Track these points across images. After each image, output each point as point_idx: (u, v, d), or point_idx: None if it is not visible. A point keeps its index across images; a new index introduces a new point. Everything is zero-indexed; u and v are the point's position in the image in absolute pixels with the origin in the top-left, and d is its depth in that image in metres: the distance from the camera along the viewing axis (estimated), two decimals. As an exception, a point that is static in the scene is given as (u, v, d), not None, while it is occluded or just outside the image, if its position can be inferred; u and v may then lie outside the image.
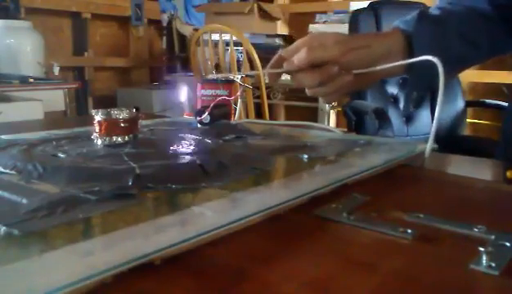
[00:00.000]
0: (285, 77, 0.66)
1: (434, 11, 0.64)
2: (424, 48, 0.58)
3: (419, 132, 1.88)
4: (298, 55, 0.58)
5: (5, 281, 0.23)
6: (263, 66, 2.20)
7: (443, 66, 0.52)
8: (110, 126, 0.56)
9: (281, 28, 3.09)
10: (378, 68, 0.59)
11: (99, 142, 0.56)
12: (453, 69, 0.60)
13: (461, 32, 0.62)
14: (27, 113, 1.73)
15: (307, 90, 0.62)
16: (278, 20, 3.00)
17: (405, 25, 0.62)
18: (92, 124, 0.57)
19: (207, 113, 0.74)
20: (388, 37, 0.61)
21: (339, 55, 0.57)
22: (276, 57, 0.62)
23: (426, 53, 0.54)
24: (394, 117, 1.81)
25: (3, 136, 0.62)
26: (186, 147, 0.58)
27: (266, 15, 2.84)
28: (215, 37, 2.22)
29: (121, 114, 0.57)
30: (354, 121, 1.70)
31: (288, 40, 2.56)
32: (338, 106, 2.53)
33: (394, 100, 1.90)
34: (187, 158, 0.48)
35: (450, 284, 0.26)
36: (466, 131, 2.04)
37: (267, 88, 2.21)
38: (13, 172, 0.45)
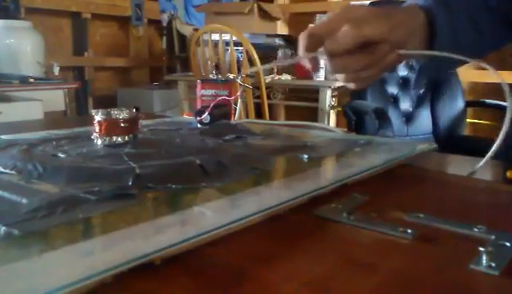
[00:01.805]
0: (286, 76, 0.60)
1: None
2: (443, 28, 0.55)
3: (419, 132, 1.88)
4: (346, 32, 0.48)
5: (5, 281, 0.23)
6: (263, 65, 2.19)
7: (459, 49, 0.51)
8: (110, 126, 0.56)
9: (281, 29, 3.09)
10: (426, 52, 0.55)
11: (99, 142, 0.56)
12: (466, 52, 0.55)
13: (469, 14, 0.59)
14: (27, 113, 1.73)
15: (342, 76, 0.54)
16: (278, 20, 3.00)
17: (424, 1, 0.57)
18: (92, 124, 0.57)
19: (207, 113, 0.74)
20: (411, 14, 0.56)
21: (388, 30, 0.50)
22: (306, 37, 0.51)
23: (446, 34, 0.53)
24: (394, 117, 1.81)
25: (3, 136, 0.62)
26: (186, 147, 0.58)
27: (266, 15, 2.84)
28: (215, 37, 2.22)
29: (121, 114, 0.57)
30: (354, 121, 1.70)
31: (288, 40, 2.56)
32: (338, 106, 2.53)
33: (394, 100, 1.90)
34: (187, 158, 0.48)
35: (450, 284, 0.26)
36: (466, 131, 2.04)
37: (267, 88, 2.21)
38: (13, 172, 0.45)
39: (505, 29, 0.62)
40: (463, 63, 0.54)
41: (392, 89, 1.88)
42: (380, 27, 0.49)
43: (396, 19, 0.52)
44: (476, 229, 0.33)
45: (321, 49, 0.50)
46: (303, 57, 0.51)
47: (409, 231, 0.32)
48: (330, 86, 2.29)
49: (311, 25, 0.51)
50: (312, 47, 0.51)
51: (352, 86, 0.56)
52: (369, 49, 0.50)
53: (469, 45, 0.59)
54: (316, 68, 0.53)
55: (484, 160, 0.49)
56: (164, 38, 3.62)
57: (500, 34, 0.63)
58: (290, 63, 0.67)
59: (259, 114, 2.26)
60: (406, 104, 1.91)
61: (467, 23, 0.58)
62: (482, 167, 0.48)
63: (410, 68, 1.89)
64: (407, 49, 0.53)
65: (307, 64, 0.53)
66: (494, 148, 0.48)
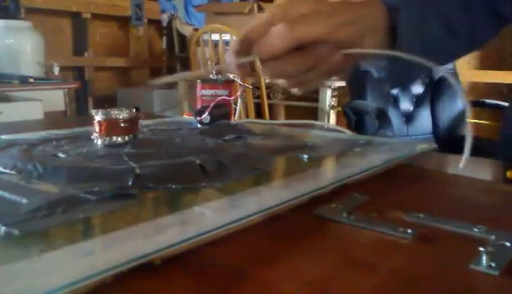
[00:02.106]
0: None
1: None
2: (407, 26, 0.50)
3: (419, 132, 1.88)
4: (276, 34, 0.42)
5: (5, 281, 0.23)
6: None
7: (425, 52, 0.45)
8: (110, 126, 0.56)
9: (281, 28, 3.09)
10: (376, 51, 0.48)
11: (99, 142, 0.56)
12: (434, 55, 0.49)
13: (440, 12, 0.52)
14: (27, 113, 1.74)
15: (282, 81, 0.49)
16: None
17: None
18: (92, 124, 0.57)
19: (207, 113, 0.74)
20: (371, 9, 0.50)
21: (328, 32, 0.44)
22: (237, 40, 0.46)
23: (409, 32, 0.48)
24: (394, 117, 1.81)
25: (3, 136, 0.62)
26: (186, 147, 0.58)
27: (266, 15, 2.84)
28: (215, 37, 2.22)
29: (121, 114, 0.57)
30: (354, 121, 1.70)
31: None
32: (338, 106, 2.53)
33: (394, 100, 1.90)
34: (187, 158, 0.48)
35: (450, 284, 0.26)
36: (466, 131, 2.04)
37: (267, 88, 2.21)
38: (13, 172, 0.45)
39: (484, 25, 0.56)
40: (425, 66, 0.48)
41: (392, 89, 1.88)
42: (319, 27, 0.44)
43: (345, 16, 0.46)
44: (476, 229, 0.33)
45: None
46: (229, 63, 0.46)
47: (409, 231, 0.32)
48: (330, 86, 2.29)
49: (247, 27, 0.46)
50: (242, 52, 0.46)
51: (295, 91, 0.52)
52: (308, 50, 0.44)
53: (442, 46, 0.54)
54: (245, 74, 0.49)
55: (463, 160, 0.48)
56: (164, 38, 3.62)
57: (478, 32, 0.56)
58: (212, 71, 0.60)
59: (259, 114, 2.26)
60: (406, 104, 1.91)
61: (438, 21, 0.52)
62: (465, 167, 0.48)
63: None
64: (363, 48, 0.47)
65: (236, 72, 0.49)
66: (467, 147, 0.47)
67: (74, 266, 0.25)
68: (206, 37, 2.26)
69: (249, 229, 0.33)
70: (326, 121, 2.39)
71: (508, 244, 0.30)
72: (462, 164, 0.46)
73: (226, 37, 2.19)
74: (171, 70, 3.51)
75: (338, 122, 2.75)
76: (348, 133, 0.72)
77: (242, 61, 0.46)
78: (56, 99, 2.15)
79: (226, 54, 0.47)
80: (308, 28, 0.43)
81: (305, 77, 0.47)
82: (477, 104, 2.12)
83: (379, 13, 0.49)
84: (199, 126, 0.75)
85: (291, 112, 3.12)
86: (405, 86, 1.73)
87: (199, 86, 0.83)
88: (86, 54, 3.38)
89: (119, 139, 0.57)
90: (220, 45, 2.20)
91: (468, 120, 0.47)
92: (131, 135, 0.58)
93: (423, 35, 0.51)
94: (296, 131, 0.75)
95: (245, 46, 0.45)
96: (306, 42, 0.44)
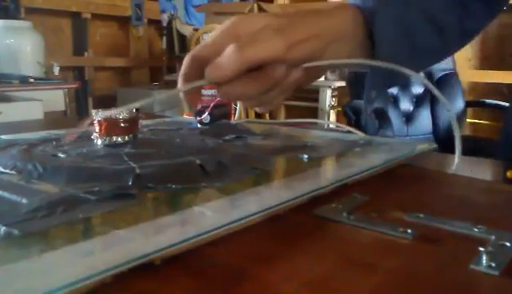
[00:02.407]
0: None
1: None
2: (386, 32, 0.47)
3: (419, 132, 1.88)
4: (226, 56, 0.39)
5: (5, 281, 0.23)
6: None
7: (410, 56, 0.44)
8: (110, 126, 0.56)
9: (281, 28, 3.09)
10: (339, 62, 0.46)
11: (99, 142, 0.56)
12: (420, 59, 0.49)
13: (425, 8, 0.49)
14: (27, 113, 1.74)
15: (242, 103, 0.46)
16: (278, 19, 3.00)
17: (361, 1, 0.48)
18: (92, 124, 0.57)
19: (207, 113, 0.74)
20: (339, 17, 0.46)
21: (283, 51, 0.40)
22: (187, 62, 0.42)
23: (389, 39, 0.45)
24: (394, 117, 1.81)
25: (3, 136, 0.62)
26: (186, 147, 0.58)
27: (266, 15, 2.84)
28: (215, 37, 2.22)
29: (121, 114, 0.57)
30: (354, 121, 1.70)
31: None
32: (338, 106, 2.53)
33: (394, 100, 1.90)
34: (187, 158, 0.48)
35: (450, 284, 0.26)
36: (466, 131, 2.04)
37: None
38: (13, 172, 0.45)
39: (479, 15, 0.53)
40: (417, 66, 0.46)
41: (392, 89, 1.88)
42: (272, 47, 0.40)
43: (301, 31, 0.42)
44: (476, 229, 0.33)
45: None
46: (179, 89, 0.42)
47: (409, 231, 0.32)
48: (330, 86, 2.29)
49: (198, 45, 0.43)
50: (192, 75, 0.42)
51: (258, 110, 0.49)
52: (263, 71, 0.41)
53: (427, 43, 0.50)
54: (195, 103, 0.45)
55: (456, 159, 0.48)
56: (164, 38, 3.62)
57: (471, 24, 0.53)
58: (198, 86, 0.43)
59: (259, 114, 2.26)
60: (406, 104, 1.91)
61: (422, 19, 0.49)
62: (459, 166, 0.48)
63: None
64: (328, 58, 0.44)
65: (184, 100, 0.44)
66: (458, 148, 0.47)
67: (74, 266, 0.25)
68: (206, 37, 2.27)
69: (249, 229, 0.33)
70: (326, 121, 2.39)
71: (508, 244, 0.30)
72: (455, 166, 0.47)
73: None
74: (171, 70, 3.51)
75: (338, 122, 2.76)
76: (358, 134, 0.72)
77: (191, 87, 0.42)
78: (56, 99, 2.15)
79: (178, 78, 0.43)
80: (259, 49, 0.40)
81: (265, 98, 0.44)
82: (477, 104, 2.13)
83: (345, 20, 0.46)
84: (199, 126, 0.75)
85: (291, 112, 3.12)
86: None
87: (199, 86, 0.83)
88: (86, 54, 3.38)
89: (119, 139, 0.57)
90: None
91: (455, 125, 0.47)
92: (131, 135, 0.58)
93: (407, 36, 0.48)
94: (296, 131, 0.75)
95: (196, 68, 0.42)
96: (258, 63, 0.40)
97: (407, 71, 0.43)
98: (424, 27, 0.49)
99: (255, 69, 0.41)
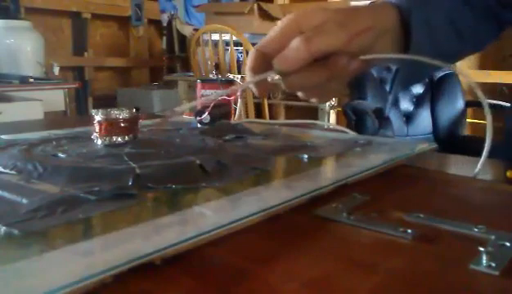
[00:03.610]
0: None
1: None
2: (419, 28, 0.50)
3: (419, 132, 1.88)
4: (293, 48, 0.42)
5: (5, 281, 0.23)
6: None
7: (433, 53, 0.47)
8: (110, 126, 0.56)
9: (281, 28, 3.09)
10: (392, 55, 0.50)
11: (99, 142, 0.56)
12: (441, 57, 0.51)
13: (446, 13, 0.53)
14: (27, 113, 1.74)
15: (301, 93, 0.49)
16: (278, 20, 3.00)
17: (399, 0, 0.51)
18: (92, 124, 0.57)
19: (207, 113, 0.74)
20: (383, 13, 0.50)
21: (345, 41, 0.43)
22: (253, 56, 0.45)
23: (422, 34, 0.49)
24: (394, 117, 1.81)
25: (3, 136, 0.62)
26: (186, 147, 0.58)
27: (266, 15, 2.84)
28: (215, 37, 2.22)
29: (121, 114, 0.57)
30: (354, 121, 1.70)
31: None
32: (338, 106, 2.53)
33: (394, 100, 1.90)
34: (187, 158, 0.48)
35: (450, 284, 0.26)
36: (466, 131, 2.04)
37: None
38: (13, 172, 0.45)
39: (486, 28, 0.57)
40: (439, 67, 0.50)
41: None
42: (336, 38, 0.43)
43: (358, 24, 0.46)
44: (476, 229, 0.33)
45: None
46: (249, 82, 0.45)
47: (409, 231, 0.32)
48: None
49: (262, 40, 0.46)
50: (259, 68, 0.45)
51: (314, 101, 0.52)
52: (327, 61, 0.44)
53: (448, 46, 0.54)
54: (264, 93, 0.48)
55: (481, 161, 0.48)
56: (164, 38, 3.62)
57: (480, 34, 0.58)
58: (235, 91, 0.57)
59: (259, 114, 2.26)
60: (406, 104, 1.91)
61: (445, 21, 0.53)
62: (480, 169, 0.48)
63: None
64: (376, 52, 0.47)
65: (254, 90, 0.48)
66: (486, 148, 0.47)
67: (74, 266, 0.25)
68: (206, 37, 2.27)
69: (249, 229, 0.33)
70: (326, 121, 2.39)
71: (508, 244, 0.30)
72: (478, 169, 0.47)
73: (226, 37, 2.19)
74: (171, 70, 3.51)
75: (338, 122, 2.76)
76: (350, 133, 0.72)
77: (261, 78, 0.45)
78: (56, 99, 2.15)
79: (246, 71, 0.46)
80: (325, 40, 0.43)
81: (325, 88, 0.47)
82: (477, 104, 2.13)
83: (390, 17, 0.50)
84: (199, 126, 0.75)
85: (291, 112, 3.12)
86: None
87: (199, 86, 0.83)
88: (86, 54, 3.38)
89: (119, 139, 0.57)
90: (220, 45, 2.20)
91: (488, 122, 0.47)
92: (131, 135, 0.58)
93: (435, 35, 0.52)
94: (296, 131, 0.75)
95: (262, 62, 0.45)
96: (323, 54, 0.43)
97: (443, 65, 0.48)
98: (447, 30, 0.53)
99: (317, 61, 0.43)
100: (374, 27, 0.47)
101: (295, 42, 0.42)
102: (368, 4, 0.51)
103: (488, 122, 0.47)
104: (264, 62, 0.45)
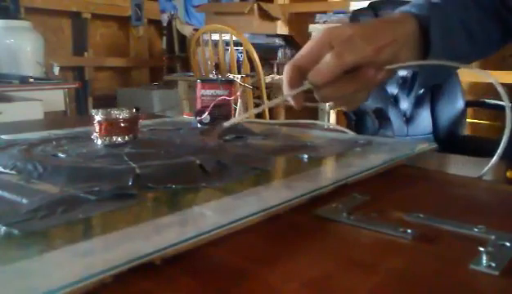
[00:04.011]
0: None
1: None
2: (437, 35, 0.53)
3: (419, 132, 1.88)
4: (326, 62, 0.47)
5: (5, 281, 0.23)
6: (263, 65, 2.20)
7: (449, 58, 0.51)
8: (110, 126, 0.56)
9: (281, 28, 3.09)
10: (414, 63, 0.53)
11: (99, 142, 0.56)
12: (456, 61, 0.55)
13: (461, 18, 0.57)
14: (27, 113, 1.74)
15: (332, 103, 0.53)
16: (278, 20, 3.00)
17: (418, 10, 0.55)
18: (92, 124, 0.57)
19: (207, 113, 0.74)
20: (406, 25, 0.53)
21: (372, 55, 0.48)
22: (289, 70, 0.50)
23: (440, 40, 0.52)
24: (394, 117, 1.81)
25: (3, 136, 0.62)
26: (186, 147, 0.58)
27: (266, 15, 2.84)
28: (215, 37, 2.22)
29: (121, 114, 0.57)
30: (354, 121, 1.70)
31: (288, 40, 2.56)
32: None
33: (394, 100, 1.90)
34: (187, 158, 0.48)
35: (450, 284, 0.26)
36: (466, 131, 2.04)
37: (266, 88, 2.21)
38: (13, 172, 0.45)
39: (495, 31, 0.60)
40: (456, 68, 0.53)
41: (392, 89, 1.88)
42: (365, 51, 0.48)
43: (383, 38, 0.49)
44: (476, 229, 0.33)
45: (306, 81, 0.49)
46: (287, 95, 0.50)
47: (409, 231, 0.32)
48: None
49: (296, 54, 0.50)
50: (295, 81, 0.50)
51: (344, 108, 0.56)
52: (356, 73, 0.48)
53: (460, 48, 0.57)
54: (300, 104, 0.52)
55: (492, 162, 0.48)
56: (164, 38, 3.62)
57: (490, 37, 0.61)
58: (280, 102, 0.62)
59: (259, 114, 2.26)
60: (406, 104, 1.91)
61: (459, 26, 0.56)
62: (489, 169, 0.48)
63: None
64: (399, 61, 0.51)
65: (292, 102, 0.52)
66: (500, 149, 0.48)
67: (74, 266, 0.25)
68: (206, 37, 2.26)
69: (249, 229, 0.33)
70: (326, 121, 2.39)
71: (508, 244, 0.30)
72: (488, 167, 0.48)
73: (226, 37, 2.19)
74: (171, 70, 3.51)
75: (338, 122, 2.76)
76: (350, 133, 0.72)
77: (298, 92, 0.49)
78: (56, 99, 2.15)
79: (283, 85, 0.51)
80: (354, 54, 0.47)
81: (354, 97, 0.51)
82: (477, 104, 2.12)
83: (411, 26, 0.53)
84: (199, 126, 0.75)
85: (291, 112, 3.12)
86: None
87: (199, 86, 0.83)
88: (86, 54, 3.38)
89: (119, 139, 0.57)
90: (220, 45, 2.20)
91: (508, 122, 0.48)
92: (131, 135, 0.58)
93: (451, 40, 0.55)
94: (296, 131, 0.75)
95: (297, 75, 0.49)
96: (353, 67, 0.48)
97: (463, 66, 0.53)
98: (461, 36, 0.57)
99: (347, 73, 0.48)
100: (397, 39, 0.51)
101: (327, 57, 0.47)
102: (389, 17, 0.55)
103: (508, 122, 0.48)
104: (299, 75, 0.49)
